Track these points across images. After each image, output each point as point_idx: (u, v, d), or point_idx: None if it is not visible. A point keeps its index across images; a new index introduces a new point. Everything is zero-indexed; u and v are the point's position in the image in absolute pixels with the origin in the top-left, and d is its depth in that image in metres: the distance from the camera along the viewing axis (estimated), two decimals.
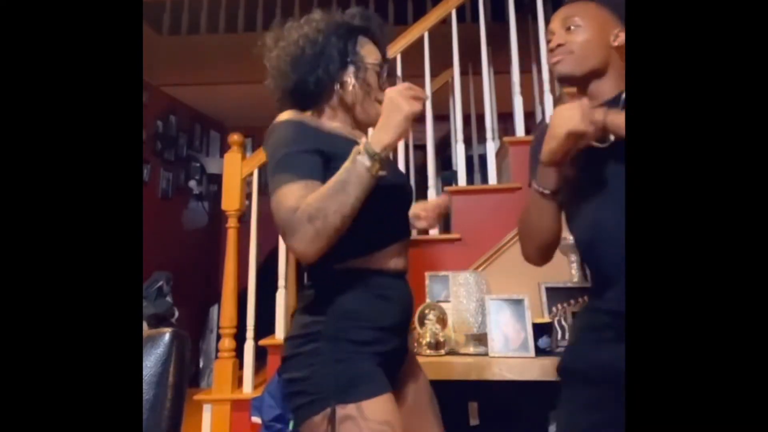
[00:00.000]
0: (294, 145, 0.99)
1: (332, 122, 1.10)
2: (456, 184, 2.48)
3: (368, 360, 0.98)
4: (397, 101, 0.91)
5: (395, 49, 2.39)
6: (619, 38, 1.07)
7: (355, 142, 0.95)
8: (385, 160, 0.93)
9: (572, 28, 1.08)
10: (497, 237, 2.11)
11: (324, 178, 0.95)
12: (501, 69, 2.81)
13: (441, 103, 3.11)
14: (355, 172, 0.91)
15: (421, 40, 2.40)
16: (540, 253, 1.20)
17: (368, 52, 1.11)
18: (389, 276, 1.07)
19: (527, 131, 2.44)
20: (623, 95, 1.05)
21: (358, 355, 0.98)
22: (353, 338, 0.99)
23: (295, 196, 0.92)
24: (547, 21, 2.54)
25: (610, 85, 1.08)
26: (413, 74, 2.45)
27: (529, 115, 2.62)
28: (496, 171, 2.31)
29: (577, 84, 1.11)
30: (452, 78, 2.52)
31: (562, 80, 1.12)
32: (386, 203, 1.05)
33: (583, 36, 1.07)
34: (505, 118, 3.11)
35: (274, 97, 1.13)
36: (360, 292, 1.02)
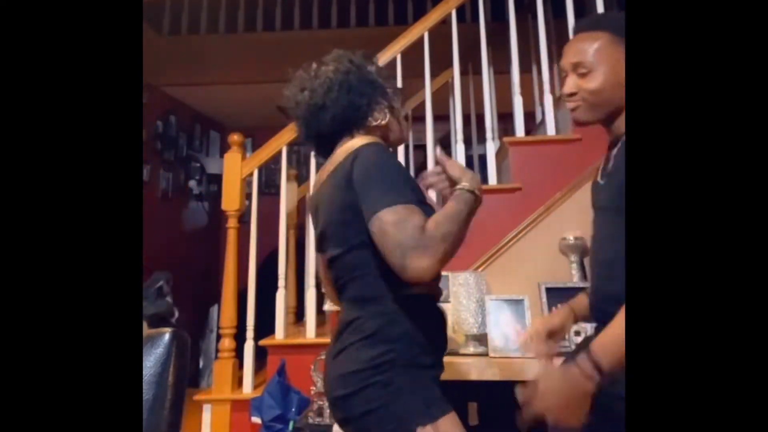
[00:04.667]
0: (398, 168, 1.04)
1: None
2: None
3: (433, 382, 1.03)
4: None
5: (395, 49, 2.38)
6: None
7: None
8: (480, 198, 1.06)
9: (583, 72, 1.04)
10: (497, 237, 2.10)
11: None
12: (501, 69, 2.81)
13: (441, 103, 3.10)
14: (469, 204, 1.03)
15: (421, 40, 2.40)
16: None
17: None
18: (436, 300, 1.12)
19: (527, 131, 2.44)
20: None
21: (426, 379, 1.02)
22: (421, 363, 1.02)
23: (418, 216, 0.95)
24: (548, 21, 2.56)
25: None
26: (413, 74, 2.47)
27: (529, 115, 2.62)
28: (496, 171, 2.30)
29: (597, 124, 1.09)
30: (452, 78, 2.51)
31: (580, 125, 1.10)
32: None
33: (595, 83, 1.03)
34: (505, 118, 3.10)
35: (304, 133, 1.17)
36: (424, 317, 1.05)
